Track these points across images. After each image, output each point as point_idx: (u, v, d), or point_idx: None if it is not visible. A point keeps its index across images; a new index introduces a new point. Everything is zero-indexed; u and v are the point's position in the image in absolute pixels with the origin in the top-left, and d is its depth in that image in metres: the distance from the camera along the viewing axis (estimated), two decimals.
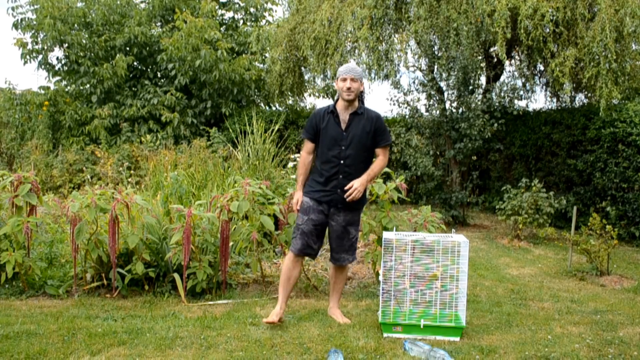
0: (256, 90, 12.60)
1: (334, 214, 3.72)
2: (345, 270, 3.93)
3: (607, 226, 5.33)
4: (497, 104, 8.30)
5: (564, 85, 7.70)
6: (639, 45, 7.67)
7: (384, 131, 3.73)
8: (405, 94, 8.55)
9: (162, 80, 12.47)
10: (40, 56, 11.88)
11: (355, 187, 3.56)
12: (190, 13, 11.68)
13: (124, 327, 3.59)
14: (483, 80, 8.94)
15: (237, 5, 13.76)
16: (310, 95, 11.96)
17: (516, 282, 5.22)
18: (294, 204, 3.77)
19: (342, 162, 3.63)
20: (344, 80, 3.62)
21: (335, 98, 3.79)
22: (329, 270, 4.18)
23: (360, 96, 3.72)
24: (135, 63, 12.54)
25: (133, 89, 12.33)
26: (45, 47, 11.73)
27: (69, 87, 12.36)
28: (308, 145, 3.79)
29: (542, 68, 9.33)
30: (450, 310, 3.62)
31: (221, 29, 13.11)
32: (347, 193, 3.57)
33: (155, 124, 11.49)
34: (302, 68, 10.83)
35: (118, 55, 11.52)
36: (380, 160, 3.74)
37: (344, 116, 3.68)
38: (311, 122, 3.76)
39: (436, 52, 8.52)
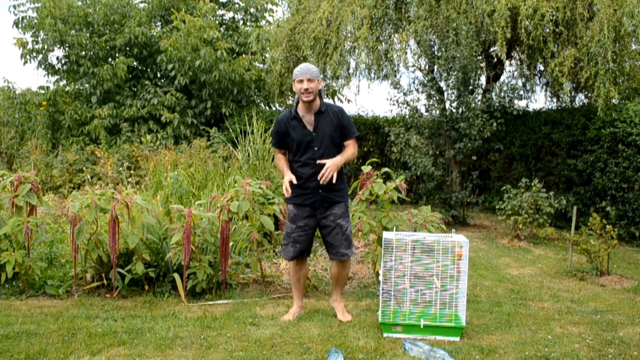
0: (256, 90, 12.60)
1: (321, 214, 3.74)
2: (346, 267, 3.93)
3: (607, 226, 5.33)
4: (497, 103, 8.29)
5: (564, 85, 7.70)
6: (638, 45, 7.67)
7: (349, 124, 3.74)
8: (405, 94, 8.55)
9: (162, 81, 12.47)
10: (40, 56, 11.88)
11: (328, 166, 3.53)
12: (189, 13, 11.68)
13: (124, 327, 3.59)
14: (483, 80, 8.94)
15: (237, 6, 13.76)
16: None
17: (516, 282, 5.22)
18: (286, 182, 3.59)
19: (317, 162, 3.64)
20: (301, 81, 3.59)
21: (295, 102, 3.77)
22: (330, 269, 4.17)
23: (319, 94, 3.70)
24: (135, 63, 12.54)
25: (133, 89, 12.33)
26: (46, 47, 11.73)
27: (68, 87, 12.37)
28: (279, 152, 3.83)
29: (542, 68, 9.33)
30: (450, 310, 3.63)
31: (221, 29, 13.11)
32: (321, 174, 3.53)
33: (155, 124, 11.49)
34: None
35: (118, 56, 11.51)
36: (351, 148, 3.74)
37: (308, 118, 3.68)
38: (277, 131, 3.75)
39: (436, 52, 8.51)
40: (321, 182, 3.55)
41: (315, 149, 3.65)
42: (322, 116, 3.68)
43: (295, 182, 3.59)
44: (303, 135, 3.66)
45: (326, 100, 3.86)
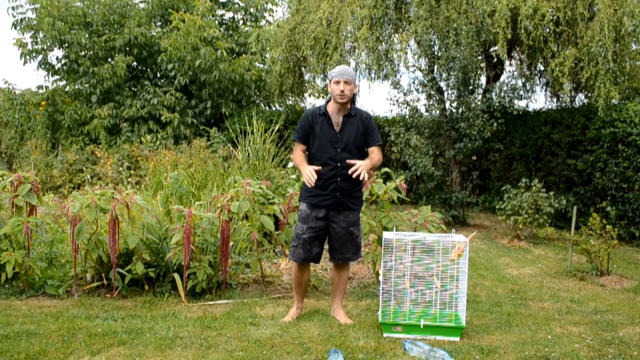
0: (256, 90, 12.60)
1: (334, 217, 3.69)
2: (347, 269, 3.91)
3: (607, 226, 5.33)
4: (497, 103, 8.30)
5: (564, 85, 7.70)
6: (638, 45, 7.67)
7: (375, 131, 3.71)
8: (405, 94, 8.55)
9: (162, 81, 12.47)
10: (40, 56, 11.88)
11: (361, 164, 3.46)
12: (189, 13, 11.68)
13: (124, 327, 3.59)
14: (483, 80, 8.94)
15: (237, 6, 13.76)
16: (310, 96, 11.98)
17: (516, 282, 5.22)
18: (308, 172, 3.46)
19: (339, 164, 3.60)
20: (337, 83, 3.57)
21: (327, 99, 3.75)
22: (329, 271, 4.17)
23: (352, 98, 3.68)
24: (135, 63, 12.54)
25: (133, 89, 12.33)
26: (45, 47, 11.73)
27: (68, 87, 12.37)
28: (300, 147, 3.75)
29: (542, 68, 9.33)
30: (450, 310, 3.62)
31: (221, 29, 13.10)
32: (353, 169, 3.45)
33: (155, 124, 11.49)
34: (302, 68, 10.83)
35: (118, 55, 11.51)
36: (376, 154, 3.69)
37: (336, 119, 3.65)
38: (303, 123, 3.69)
39: (436, 52, 8.52)
40: (352, 173, 3.44)
41: (338, 150, 3.60)
42: (350, 119, 3.65)
43: (315, 173, 3.46)
44: (328, 134, 3.62)
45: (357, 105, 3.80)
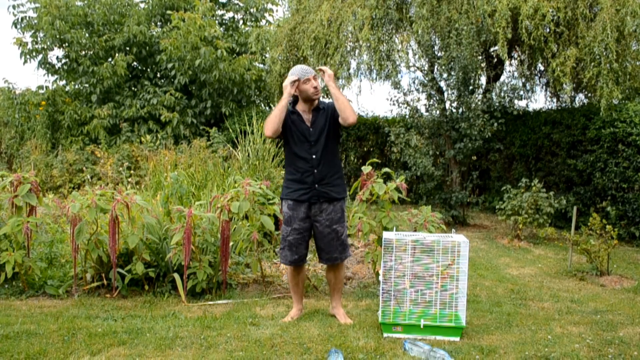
0: (256, 90, 12.60)
1: (316, 214, 3.70)
2: (341, 268, 3.89)
3: (607, 226, 5.33)
4: (497, 104, 8.29)
5: (564, 85, 7.70)
6: (639, 45, 7.67)
7: None
8: (405, 94, 8.55)
9: (162, 81, 12.47)
10: (40, 55, 11.88)
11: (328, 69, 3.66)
12: (189, 12, 11.68)
13: (124, 327, 3.59)
14: (483, 80, 8.93)
15: (237, 6, 13.76)
16: None
17: (516, 282, 5.22)
18: (288, 80, 3.62)
19: (313, 156, 3.66)
20: (308, 80, 3.63)
21: (291, 102, 3.74)
22: (325, 273, 4.17)
23: None
24: (134, 63, 12.54)
25: (133, 89, 12.32)
26: (45, 47, 11.73)
27: (68, 87, 12.37)
28: None
29: (542, 68, 9.33)
30: (450, 310, 3.62)
31: (221, 29, 13.10)
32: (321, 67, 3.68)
33: (155, 124, 11.49)
34: None
35: (118, 54, 11.51)
36: None
37: (307, 115, 3.72)
38: None
39: (436, 52, 8.51)
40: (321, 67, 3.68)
41: (312, 142, 3.67)
42: (320, 113, 3.71)
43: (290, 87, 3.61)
44: (302, 128, 3.69)
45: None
